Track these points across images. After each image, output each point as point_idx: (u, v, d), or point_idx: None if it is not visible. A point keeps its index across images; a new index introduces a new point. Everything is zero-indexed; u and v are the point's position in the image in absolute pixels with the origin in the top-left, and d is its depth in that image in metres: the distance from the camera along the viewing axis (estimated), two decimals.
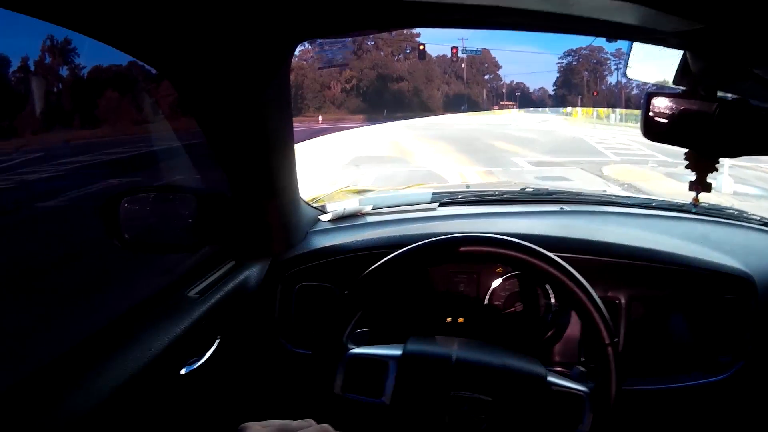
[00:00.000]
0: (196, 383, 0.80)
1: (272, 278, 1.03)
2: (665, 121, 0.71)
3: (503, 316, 1.05)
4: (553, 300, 1.04)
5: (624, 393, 0.90)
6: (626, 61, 0.85)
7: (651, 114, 0.71)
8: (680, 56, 0.72)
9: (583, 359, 1.01)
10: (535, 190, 1.44)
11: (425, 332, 0.91)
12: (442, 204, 1.30)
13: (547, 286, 1.04)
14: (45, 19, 0.61)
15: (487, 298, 1.05)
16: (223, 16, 0.70)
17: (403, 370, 0.80)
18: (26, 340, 0.73)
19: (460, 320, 1.05)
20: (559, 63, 33.52)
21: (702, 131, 0.70)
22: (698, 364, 1.00)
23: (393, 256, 0.84)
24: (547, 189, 1.45)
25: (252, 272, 0.99)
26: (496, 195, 1.38)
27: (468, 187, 1.46)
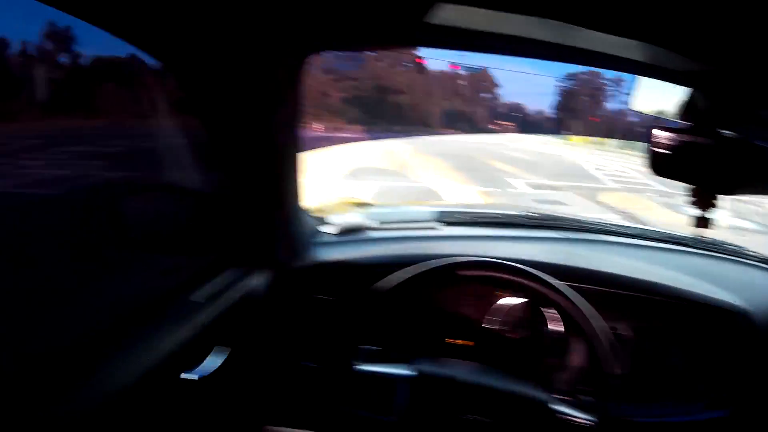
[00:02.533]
0: (199, 389, 0.80)
1: (280, 288, 1.03)
2: (669, 154, 0.72)
3: (509, 341, 1.05)
4: (559, 328, 1.04)
5: (628, 424, 0.91)
6: (631, 92, 0.86)
7: (655, 149, 0.72)
8: (684, 91, 0.73)
9: (588, 388, 1.01)
10: (538, 215, 1.45)
11: (432, 353, 0.93)
12: (445, 223, 1.31)
13: (555, 313, 1.04)
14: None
15: (496, 322, 1.05)
16: (239, 23, 0.71)
17: (413, 390, 0.83)
18: (26, 339, 0.72)
19: (469, 343, 1.06)
20: (558, 85, 32.61)
21: (703, 167, 0.70)
22: (699, 396, 1.01)
23: (405, 273, 0.87)
24: (548, 215, 1.46)
25: (258, 281, 0.99)
26: (500, 218, 1.40)
27: (471, 207, 1.47)
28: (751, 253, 1.30)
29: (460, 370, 0.86)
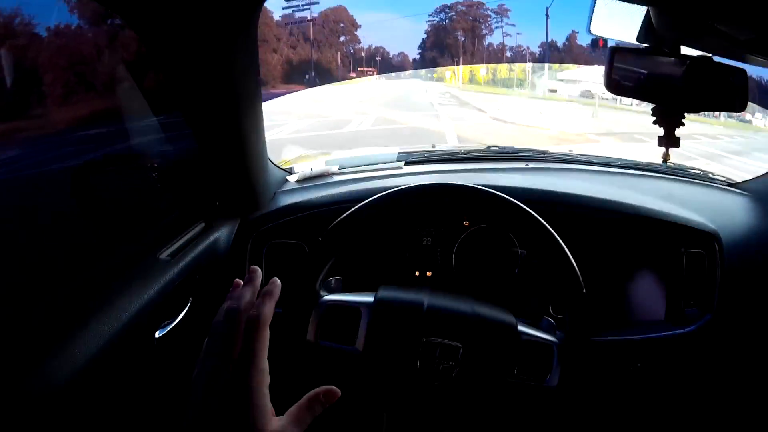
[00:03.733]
0: (170, 346, 0.81)
1: (241, 238, 1.04)
2: (630, 76, 0.72)
3: (471, 269, 1.07)
4: (520, 252, 1.06)
5: (592, 344, 0.91)
6: (590, 16, 0.84)
7: (615, 68, 0.72)
8: (644, 13, 0.72)
9: (551, 313, 1.03)
10: (500, 148, 1.45)
11: (396, 284, 0.92)
12: (408, 163, 1.32)
13: (514, 238, 1.06)
14: None
15: (454, 251, 1.07)
16: None
17: (375, 316, 0.81)
18: None
19: (428, 273, 1.08)
20: (429, 21, 27.06)
21: (667, 87, 0.71)
22: (666, 316, 1.04)
23: (360, 206, 0.85)
24: (512, 147, 1.46)
25: (222, 233, 1.01)
26: (462, 153, 1.40)
27: (434, 146, 1.48)
28: (718, 177, 1.32)
29: (424, 296, 0.84)
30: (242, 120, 0.94)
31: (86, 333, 0.64)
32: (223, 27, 0.79)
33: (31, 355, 0.59)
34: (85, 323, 0.65)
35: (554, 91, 16.73)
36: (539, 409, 0.99)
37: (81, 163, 0.82)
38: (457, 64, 24.92)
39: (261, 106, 0.98)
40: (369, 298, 0.83)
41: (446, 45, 26.33)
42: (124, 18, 0.79)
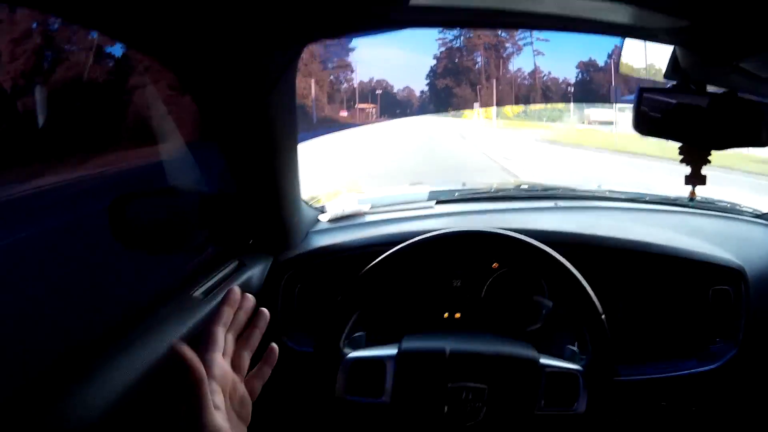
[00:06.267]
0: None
1: (274, 278, 1.04)
2: (658, 115, 0.73)
3: (499, 310, 1.07)
4: (547, 294, 1.06)
5: (618, 383, 0.91)
6: (618, 57, 0.88)
7: (643, 108, 0.73)
8: (671, 52, 0.74)
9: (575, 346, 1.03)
10: (530, 186, 1.47)
11: (423, 329, 0.94)
12: (439, 202, 1.33)
13: (542, 281, 1.06)
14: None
15: (483, 293, 1.07)
16: (232, 15, 0.70)
17: (400, 368, 0.83)
18: (32, 340, 0.74)
19: (457, 315, 1.07)
20: (440, 39, 21.43)
21: (694, 124, 0.71)
22: (692, 353, 1.02)
23: (387, 254, 0.87)
24: (542, 184, 1.47)
25: (254, 272, 1.01)
26: (492, 192, 1.41)
27: (464, 185, 1.48)
28: (745, 209, 1.31)
29: (445, 341, 0.86)
30: (278, 160, 0.95)
31: (118, 370, 0.64)
32: (264, 69, 0.82)
33: (59, 388, 0.59)
34: (117, 361, 0.65)
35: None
36: None
37: (118, 195, 0.84)
38: (479, 93, 19.45)
39: (297, 146, 0.99)
40: (392, 351, 0.85)
41: (462, 69, 20.36)
42: (163, 63, 0.82)
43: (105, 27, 0.71)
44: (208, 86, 0.83)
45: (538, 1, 0.68)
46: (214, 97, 0.84)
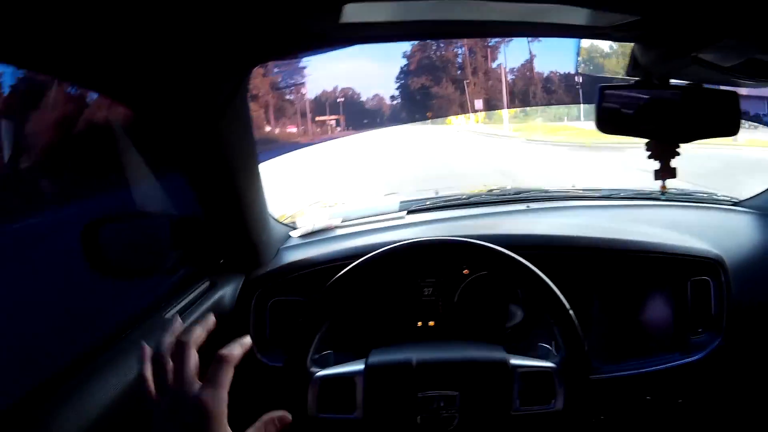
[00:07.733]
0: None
1: (246, 296, 1.05)
2: (622, 112, 0.73)
3: (474, 314, 1.07)
4: (520, 294, 1.06)
5: (602, 381, 0.91)
6: (576, 57, 0.88)
7: (606, 106, 0.73)
8: (629, 49, 0.74)
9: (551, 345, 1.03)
10: (502, 190, 1.47)
11: (396, 340, 0.93)
12: (410, 212, 1.34)
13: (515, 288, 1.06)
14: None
15: (456, 298, 1.07)
16: (179, 41, 0.71)
17: (369, 382, 0.83)
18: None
19: (431, 323, 1.08)
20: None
21: (660, 119, 0.72)
22: (675, 346, 1.02)
23: (349, 269, 0.87)
24: (515, 188, 1.47)
25: (226, 291, 1.02)
26: (464, 199, 1.41)
27: (437, 193, 1.50)
28: (722, 198, 1.32)
29: (413, 351, 0.85)
30: (240, 181, 0.96)
31: (91, 395, 0.64)
32: (211, 95, 0.83)
33: (32, 421, 0.59)
34: (87, 383, 0.65)
35: None
36: None
37: (92, 220, 0.85)
38: (467, 90, 14.99)
39: (257, 166, 1.01)
40: (360, 366, 0.85)
41: (442, 63, 15.92)
42: (116, 98, 0.83)
43: (49, 68, 0.71)
44: (159, 116, 0.84)
45: (483, 9, 0.68)
46: (167, 125, 0.86)
